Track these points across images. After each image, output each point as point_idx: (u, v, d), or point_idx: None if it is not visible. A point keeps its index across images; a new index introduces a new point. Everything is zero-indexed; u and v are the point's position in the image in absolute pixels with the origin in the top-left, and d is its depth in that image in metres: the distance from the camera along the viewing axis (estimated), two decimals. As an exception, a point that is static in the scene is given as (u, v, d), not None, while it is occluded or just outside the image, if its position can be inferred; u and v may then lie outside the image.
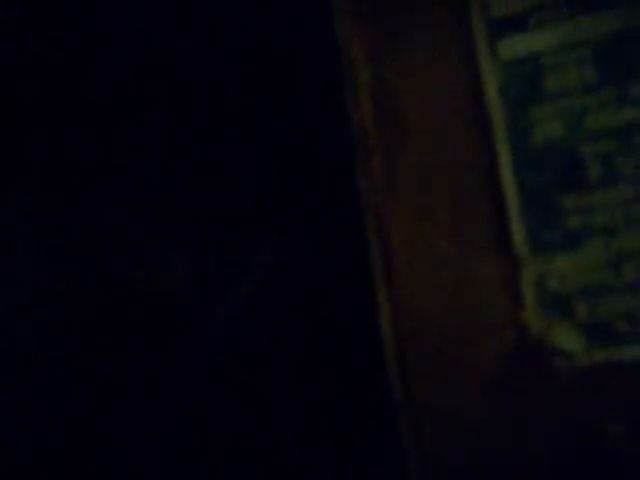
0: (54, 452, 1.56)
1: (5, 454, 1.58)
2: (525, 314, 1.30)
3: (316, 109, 1.52)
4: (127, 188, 1.62)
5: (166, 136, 1.59)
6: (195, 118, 1.56)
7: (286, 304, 1.51)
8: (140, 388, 1.58)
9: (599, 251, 1.29)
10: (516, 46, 1.37)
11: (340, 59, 1.50)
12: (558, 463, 1.26)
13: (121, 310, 1.61)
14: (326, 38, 1.52)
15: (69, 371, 1.59)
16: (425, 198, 1.39)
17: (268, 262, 1.51)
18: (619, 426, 1.23)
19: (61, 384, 1.59)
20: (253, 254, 1.53)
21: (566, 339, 1.28)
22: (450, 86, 1.40)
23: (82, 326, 1.61)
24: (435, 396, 1.34)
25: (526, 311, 1.30)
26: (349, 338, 1.44)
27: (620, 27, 1.31)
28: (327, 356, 1.45)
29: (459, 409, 1.33)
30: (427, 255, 1.38)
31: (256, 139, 1.52)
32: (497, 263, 1.33)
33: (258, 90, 1.54)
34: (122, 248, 1.61)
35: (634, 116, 1.29)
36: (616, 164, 1.29)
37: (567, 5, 1.35)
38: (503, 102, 1.36)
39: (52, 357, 1.61)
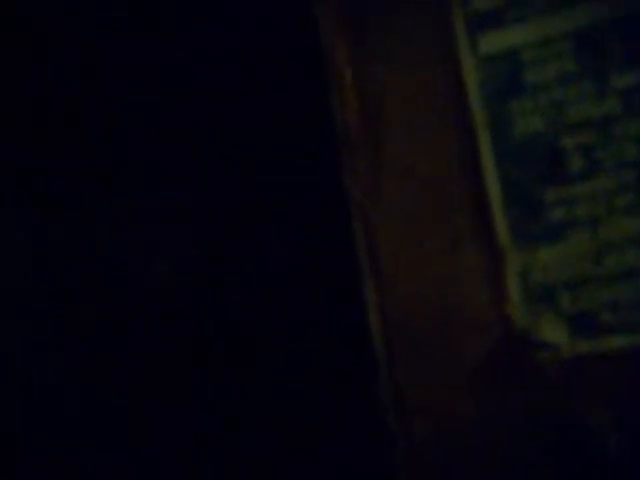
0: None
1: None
2: (509, 307, 1.31)
3: (302, 111, 1.52)
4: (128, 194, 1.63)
5: (166, 146, 1.60)
6: (186, 124, 1.57)
7: (276, 301, 1.51)
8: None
9: (581, 242, 1.29)
10: (496, 41, 1.37)
11: (324, 61, 1.51)
12: (544, 452, 1.26)
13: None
14: (310, 40, 1.53)
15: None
16: (409, 194, 1.39)
17: (261, 260, 1.52)
18: (604, 414, 1.23)
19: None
20: (248, 253, 1.53)
21: (551, 331, 1.28)
22: (432, 83, 1.41)
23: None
24: (423, 390, 1.35)
25: (510, 304, 1.31)
26: (338, 335, 1.45)
27: (598, 19, 1.32)
28: (318, 352, 1.46)
29: (446, 402, 1.33)
30: (412, 250, 1.38)
31: (242, 145, 1.53)
32: (481, 257, 1.34)
33: (246, 97, 1.55)
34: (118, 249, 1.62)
35: (613, 107, 1.29)
36: (597, 155, 1.30)
37: (545, -1, 1.35)
38: (484, 97, 1.37)
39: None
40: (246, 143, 1.55)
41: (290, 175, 1.52)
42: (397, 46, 1.45)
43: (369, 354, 1.38)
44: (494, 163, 1.35)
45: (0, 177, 1.69)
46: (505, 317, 1.31)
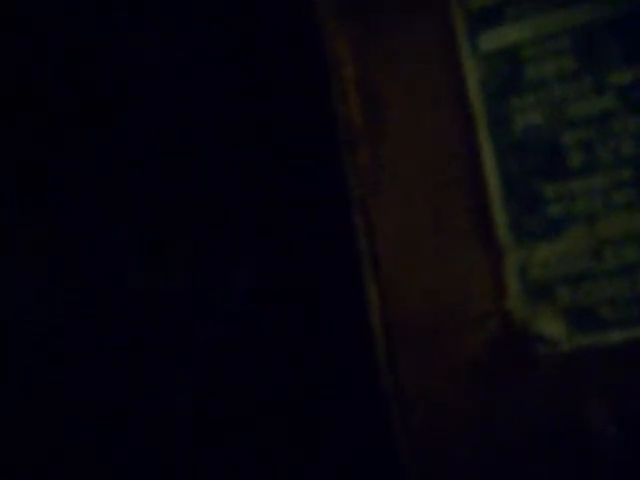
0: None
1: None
2: (509, 302, 1.32)
3: (302, 106, 1.54)
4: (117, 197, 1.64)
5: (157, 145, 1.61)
6: (173, 125, 1.58)
7: (278, 299, 1.53)
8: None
9: (580, 238, 1.30)
10: (496, 38, 1.38)
11: (325, 53, 1.52)
12: (543, 448, 1.28)
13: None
14: (311, 35, 1.54)
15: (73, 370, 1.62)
16: (409, 190, 1.41)
17: (260, 260, 1.54)
18: (603, 410, 1.25)
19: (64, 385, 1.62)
20: (245, 255, 1.55)
21: (549, 326, 1.30)
22: (432, 79, 1.42)
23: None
24: (423, 385, 1.36)
25: (510, 299, 1.32)
26: (340, 332, 1.46)
27: (596, 17, 1.33)
28: (319, 350, 1.48)
29: (447, 397, 1.34)
30: (413, 247, 1.40)
31: (239, 140, 1.55)
32: (481, 252, 1.35)
33: (241, 94, 1.56)
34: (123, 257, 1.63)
35: (612, 104, 1.31)
36: (595, 151, 1.31)
37: (545, -4, 1.36)
38: (484, 93, 1.38)
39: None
40: (243, 138, 1.56)
41: (289, 170, 1.53)
42: (397, 41, 1.46)
43: (370, 349, 1.40)
44: (494, 159, 1.36)
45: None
46: (504, 312, 1.32)
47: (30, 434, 1.60)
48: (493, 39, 1.38)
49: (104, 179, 1.61)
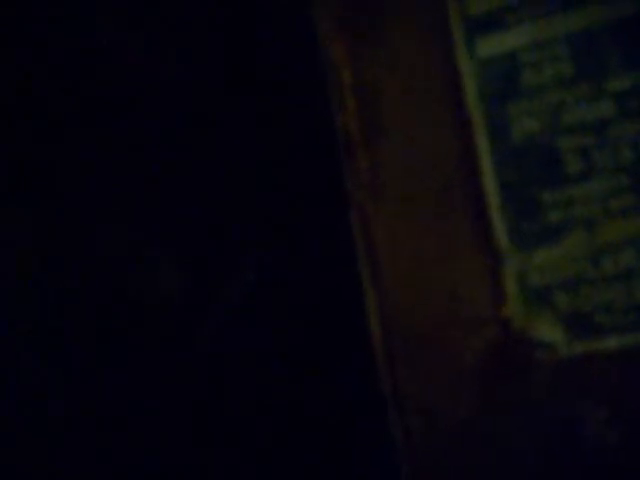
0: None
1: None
2: (507, 308, 1.33)
3: (299, 110, 1.54)
4: (119, 194, 1.64)
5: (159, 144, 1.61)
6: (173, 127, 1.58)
7: (276, 304, 1.53)
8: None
9: (578, 244, 1.31)
10: (494, 44, 1.39)
11: (322, 60, 1.52)
12: (541, 455, 1.28)
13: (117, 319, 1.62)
14: (308, 39, 1.54)
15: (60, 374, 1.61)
16: (407, 196, 1.41)
17: (259, 265, 1.54)
18: (599, 415, 1.25)
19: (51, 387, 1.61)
20: (244, 258, 1.55)
21: (547, 331, 1.30)
22: (430, 85, 1.42)
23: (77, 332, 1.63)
24: (422, 393, 1.37)
25: (508, 305, 1.33)
26: (338, 340, 1.47)
27: (594, 23, 1.33)
28: (318, 356, 1.48)
29: (446, 403, 1.35)
30: (411, 253, 1.40)
31: (238, 145, 1.55)
32: (479, 259, 1.35)
33: (238, 98, 1.56)
34: (118, 258, 1.63)
35: (609, 110, 1.31)
36: (593, 158, 1.31)
37: (543, 2, 1.37)
38: (482, 100, 1.38)
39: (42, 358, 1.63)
40: (242, 144, 1.56)
41: (288, 176, 1.53)
42: (395, 48, 1.46)
43: (369, 354, 1.40)
44: (492, 165, 1.36)
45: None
46: (503, 318, 1.33)
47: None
48: (491, 45, 1.38)
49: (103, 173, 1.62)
